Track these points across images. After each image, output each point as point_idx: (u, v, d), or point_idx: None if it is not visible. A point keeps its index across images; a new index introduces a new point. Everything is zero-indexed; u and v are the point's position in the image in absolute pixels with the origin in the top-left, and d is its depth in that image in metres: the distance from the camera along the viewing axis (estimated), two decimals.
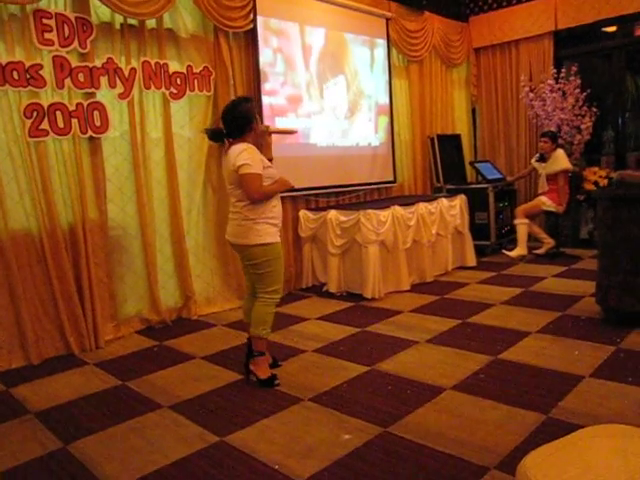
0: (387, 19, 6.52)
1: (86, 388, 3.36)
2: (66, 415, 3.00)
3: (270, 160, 3.33)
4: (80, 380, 3.52)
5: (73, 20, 4.01)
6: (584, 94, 6.68)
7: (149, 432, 2.74)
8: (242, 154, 3.06)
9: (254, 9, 5.06)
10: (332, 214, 5.20)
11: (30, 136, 3.85)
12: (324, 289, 5.35)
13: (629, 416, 2.58)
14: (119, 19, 4.29)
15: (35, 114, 3.86)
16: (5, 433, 2.83)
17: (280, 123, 5.32)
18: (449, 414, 2.73)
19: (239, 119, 3.15)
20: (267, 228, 3.18)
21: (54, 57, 3.94)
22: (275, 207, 3.24)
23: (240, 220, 3.19)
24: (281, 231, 5.25)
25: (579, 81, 6.71)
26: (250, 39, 5.16)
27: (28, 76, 3.81)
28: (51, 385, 3.45)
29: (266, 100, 5.22)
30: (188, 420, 2.85)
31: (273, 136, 3.66)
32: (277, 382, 3.22)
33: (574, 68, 6.76)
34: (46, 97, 3.94)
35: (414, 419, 2.70)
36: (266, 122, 5.13)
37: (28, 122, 3.83)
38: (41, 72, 3.87)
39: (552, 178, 6.23)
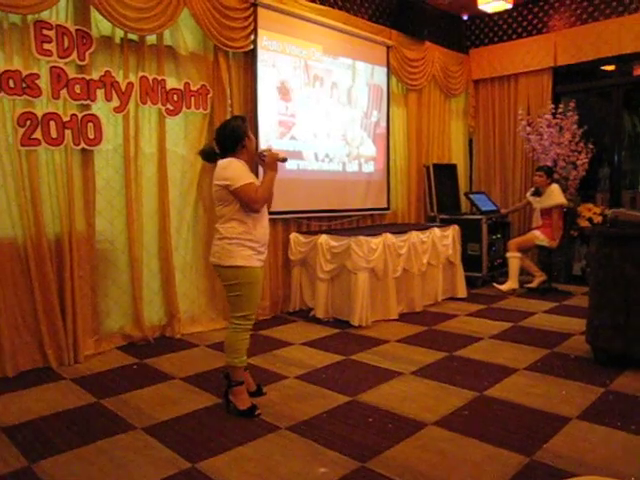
0: (388, 47, 6.57)
1: (60, 404, 3.27)
2: (35, 432, 2.91)
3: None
4: (54, 395, 3.42)
5: (73, 32, 4.01)
6: (581, 130, 6.71)
7: (119, 454, 2.65)
8: (226, 170, 3.04)
9: (255, 30, 5.08)
10: (323, 239, 5.15)
11: (22, 145, 3.81)
12: (311, 314, 5.27)
13: (616, 464, 2.50)
14: (119, 33, 4.30)
15: (28, 123, 3.83)
16: None
17: (275, 145, 5.30)
18: (430, 451, 2.65)
19: (230, 136, 3.13)
20: (241, 250, 3.06)
21: (52, 67, 3.93)
22: (258, 230, 3.12)
23: (216, 239, 3.13)
24: (270, 253, 5.33)
25: (576, 117, 6.75)
26: (249, 60, 5.17)
27: (24, 85, 3.79)
28: (24, 399, 3.36)
29: (262, 121, 5.20)
30: (161, 444, 2.75)
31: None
32: (258, 412, 3.09)
33: (572, 104, 6.80)
34: (41, 107, 3.91)
35: (393, 454, 2.62)
36: (261, 143, 5.13)
37: (21, 130, 3.80)
38: (37, 82, 3.86)
39: (546, 213, 6.22)
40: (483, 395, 3.33)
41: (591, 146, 6.67)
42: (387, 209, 6.75)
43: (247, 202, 3.03)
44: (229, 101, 4.99)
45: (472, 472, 2.45)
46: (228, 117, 4.84)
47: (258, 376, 3.55)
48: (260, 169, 3.50)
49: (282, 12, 5.33)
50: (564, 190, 6.43)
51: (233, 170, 3.04)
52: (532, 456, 2.57)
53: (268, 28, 5.22)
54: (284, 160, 3.31)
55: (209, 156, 3.24)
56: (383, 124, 6.62)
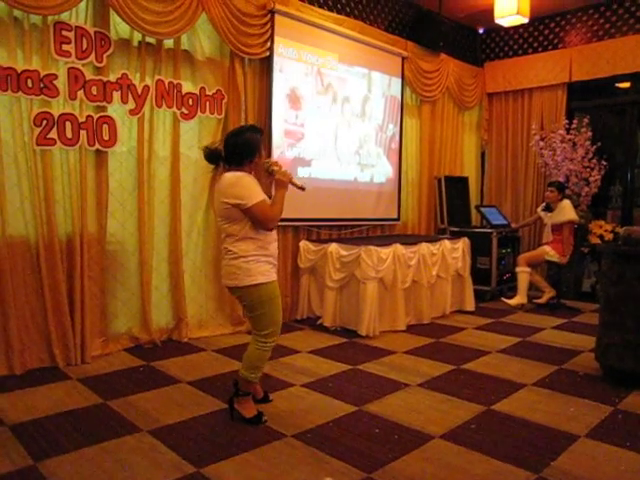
0: (403, 58, 6.58)
1: (66, 404, 3.27)
2: (41, 430, 2.91)
3: (269, 197, 3.08)
4: (61, 395, 3.42)
5: (92, 34, 4.05)
6: (594, 147, 6.69)
7: (124, 457, 2.64)
8: (236, 186, 2.85)
9: (272, 37, 5.10)
10: (333, 247, 5.15)
11: (37, 144, 3.84)
12: (319, 322, 5.26)
13: None
14: (137, 36, 4.33)
15: (44, 123, 3.86)
16: None
17: (290, 154, 5.33)
18: (436, 464, 2.62)
19: (241, 147, 2.94)
20: (260, 267, 2.93)
21: (69, 69, 3.96)
22: (271, 243, 3.01)
23: (230, 259, 2.95)
24: (279, 260, 5.32)
25: (590, 133, 6.72)
26: (265, 66, 5.19)
27: (42, 85, 3.83)
28: (31, 397, 3.36)
29: (275, 127, 5.22)
30: (166, 447, 2.75)
31: None
32: (265, 419, 3.06)
33: (586, 120, 6.78)
34: (57, 107, 3.94)
35: (399, 466, 2.60)
36: (274, 150, 5.14)
37: (37, 130, 3.83)
38: (55, 82, 3.89)
39: (557, 228, 6.18)
40: (490, 409, 3.30)
41: (604, 163, 6.65)
42: (397, 220, 6.74)
43: (261, 221, 2.88)
44: (244, 107, 5.00)
45: None
46: (243, 123, 4.87)
47: (265, 383, 3.54)
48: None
49: (299, 20, 5.35)
50: (575, 206, 6.40)
51: (245, 188, 2.85)
52: (540, 473, 2.54)
53: (285, 35, 5.24)
54: (302, 189, 3.16)
55: (213, 157, 3.02)
56: (398, 137, 6.62)
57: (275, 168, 3.08)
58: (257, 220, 2.90)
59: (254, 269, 2.93)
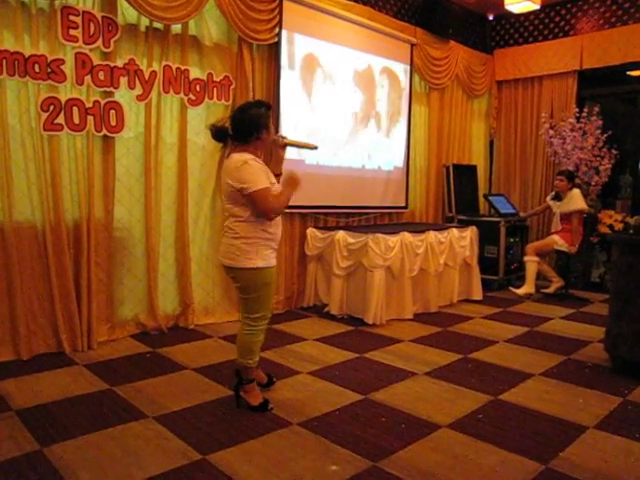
0: (412, 45, 6.50)
1: (72, 389, 3.28)
2: (48, 416, 2.91)
3: (277, 176, 3.09)
4: (67, 380, 3.43)
5: (99, 19, 4.01)
6: (605, 135, 6.60)
7: (130, 442, 2.65)
8: (242, 171, 2.79)
9: (280, 23, 5.04)
10: (340, 235, 5.12)
11: (44, 129, 3.82)
12: (325, 310, 5.24)
13: (634, 475, 2.45)
14: (145, 22, 4.29)
15: (52, 108, 3.84)
16: None
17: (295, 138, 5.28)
18: (443, 454, 2.61)
19: (247, 123, 2.88)
20: (261, 250, 2.90)
21: (77, 53, 3.93)
22: (275, 228, 2.97)
23: (230, 238, 2.92)
24: (286, 247, 5.31)
25: (601, 122, 6.64)
26: (273, 52, 5.14)
27: (49, 70, 3.80)
28: (37, 383, 3.37)
29: (284, 114, 5.18)
30: (172, 433, 2.75)
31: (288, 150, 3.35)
32: (271, 407, 3.05)
33: (596, 108, 6.69)
34: (64, 92, 3.92)
35: (406, 455, 2.59)
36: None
37: (44, 115, 3.81)
38: (62, 67, 3.86)
39: (566, 218, 6.13)
40: (498, 399, 3.28)
41: (614, 152, 6.57)
42: (405, 208, 6.70)
43: (262, 209, 2.83)
44: (252, 93, 4.96)
45: (486, 477, 2.41)
46: None
47: (271, 370, 3.52)
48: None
49: (308, 6, 5.29)
50: (585, 195, 6.34)
51: (250, 172, 2.80)
52: (547, 464, 2.52)
53: (293, 21, 5.18)
54: (315, 147, 3.28)
55: (220, 134, 2.96)
56: (406, 125, 6.56)
57: (284, 140, 3.14)
58: (258, 207, 2.84)
59: (254, 252, 2.89)
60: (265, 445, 2.66)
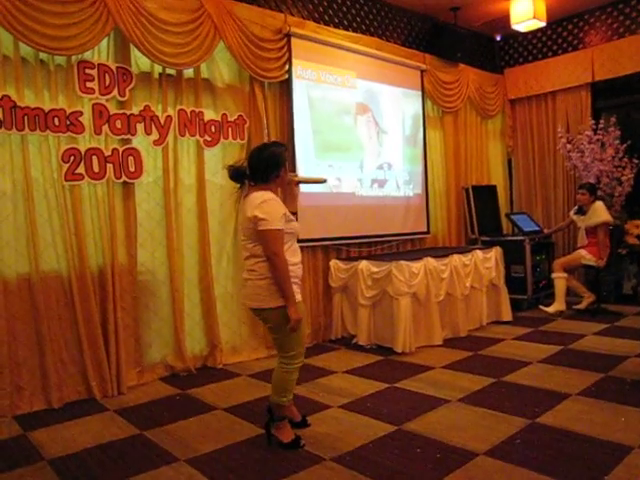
0: (422, 71, 6.56)
1: (103, 436, 3.27)
2: (80, 464, 2.90)
3: (294, 214, 3.11)
4: (99, 427, 3.43)
5: (114, 70, 4.14)
6: (624, 146, 6.52)
7: None
8: (262, 206, 2.80)
9: (289, 60, 5.14)
10: (363, 264, 5.10)
11: (66, 180, 3.92)
12: (353, 341, 5.19)
13: None
14: (158, 69, 4.41)
15: (72, 159, 3.94)
16: None
17: (309, 173, 5.32)
18: None
19: (265, 162, 2.92)
20: None
21: (94, 105, 4.06)
22: (296, 265, 2.94)
23: (255, 279, 2.90)
24: (311, 280, 5.30)
25: (619, 132, 6.57)
26: (285, 89, 5.23)
27: (68, 122, 3.92)
28: (69, 431, 3.38)
29: (299, 148, 5.23)
30: (203, 476, 2.71)
31: (302, 186, 3.47)
32: (302, 443, 3.01)
33: (613, 119, 6.62)
34: (84, 142, 4.03)
35: None
36: (299, 172, 5.15)
37: (65, 166, 3.92)
38: (80, 118, 3.98)
39: (592, 231, 6.02)
40: (535, 422, 3.18)
41: (635, 161, 6.47)
42: (427, 233, 6.66)
43: (269, 248, 2.80)
44: (266, 130, 5.03)
45: None
46: None
47: (301, 406, 3.48)
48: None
49: (316, 41, 5.39)
50: (609, 207, 6.23)
51: (268, 211, 2.80)
52: None
53: (303, 57, 5.28)
54: (324, 181, 3.38)
55: (238, 175, 2.99)
56: (422, 150, 6.58)
57: (296, 179, 3.21)
58: (263, 244, 2.83)
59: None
60: None
